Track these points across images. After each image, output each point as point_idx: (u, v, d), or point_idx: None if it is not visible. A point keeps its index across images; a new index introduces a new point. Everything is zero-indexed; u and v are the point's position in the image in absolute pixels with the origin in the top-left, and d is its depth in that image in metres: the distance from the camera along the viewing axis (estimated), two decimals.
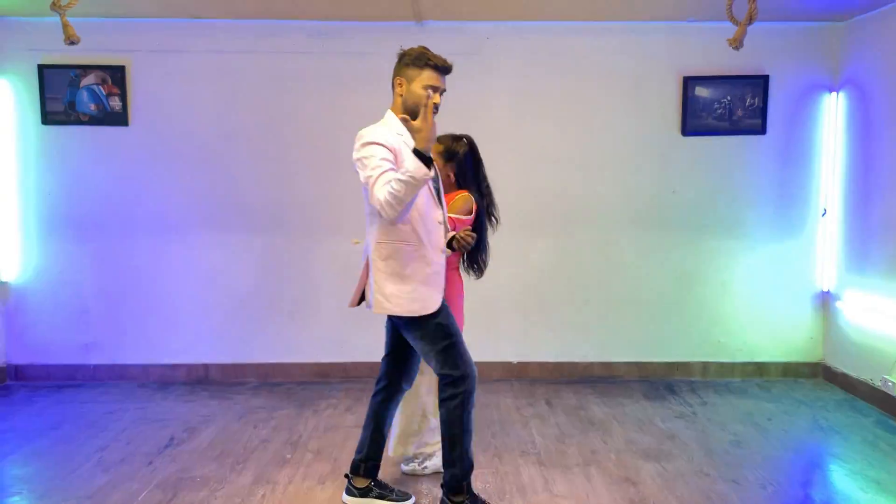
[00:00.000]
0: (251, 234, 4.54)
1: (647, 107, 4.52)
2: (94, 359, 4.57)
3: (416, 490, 3.03)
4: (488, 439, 3.61)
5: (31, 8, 4.10)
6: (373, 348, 4.55)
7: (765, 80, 4.48)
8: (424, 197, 2.63)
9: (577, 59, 4.50)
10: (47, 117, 4.42)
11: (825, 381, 4.58)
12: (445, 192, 3.00)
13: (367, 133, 2.57)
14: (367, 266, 2.75)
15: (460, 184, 3.06)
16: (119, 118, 4.44)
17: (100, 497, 2.98)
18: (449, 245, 2.82)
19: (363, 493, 2.90)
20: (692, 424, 3.83)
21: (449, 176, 3.06)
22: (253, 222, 4.53)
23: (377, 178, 2.46)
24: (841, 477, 3.23)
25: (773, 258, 4.59)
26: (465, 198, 3.02)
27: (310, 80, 4.47)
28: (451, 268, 2.97)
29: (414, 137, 2.46)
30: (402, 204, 2.42)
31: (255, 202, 4.52)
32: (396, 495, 2.89)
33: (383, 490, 2.90)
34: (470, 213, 3.03)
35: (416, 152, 2.41)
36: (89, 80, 4.41)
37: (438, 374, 2.70)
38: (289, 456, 3.42)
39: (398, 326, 2.77)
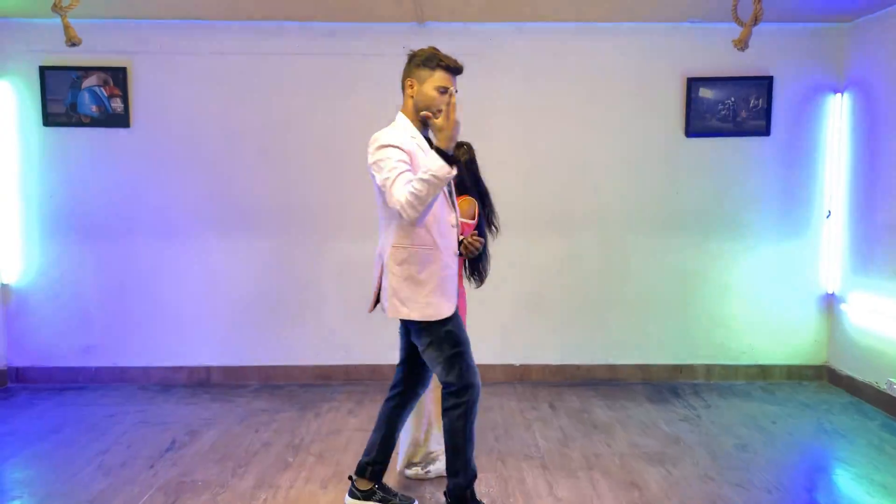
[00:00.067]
0: (253, 236, 4.52)
1: (650, 108, 4.50)
2: (96, 361, 4.56)
3: (419, 495, 3.01)
4: (491, 443, 3.59)
5: (33, 9, 4.09)
6: (375, 351, 4.57)
7: (769, 81, 4.45)
8: (439, 200, 2.62)
9: (581, 61, 4.48)
10: (49, 119, 4.41)
11: (830, 383, 4.56)
12: None
13: (382, 136, 2.55)
14: (381, 270, 2.71)
15: (460, 190, 3.05)
16: (121, 120, 4.43)
17: (101, 501, 2.96)
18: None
19: (366, 496, 2.88)
20: (696, 428, 3.81)
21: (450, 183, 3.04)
22: (255, 225, 4.52)
23: (395, 179, 2.44)
24: (847, 481, 3.21)
25: (778, 260, 4.56)
26: (470, 202, 3.02)
27: (312, 81, 4.45)
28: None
29: (436, 136, 2.44)
30: (424, 204, 2.40)
31: (257, 204, 4.51)
32: (400, 500, 2.87)
33: (387, 494, 2.88)
34: (473, 217, 3.02)
35: (439, 151, 2.40)
36: (91, 81, 4.40)
37: (443, 382, 2.68)
38: (291, 459, 3.40)
39: (409, 331, 2.74)
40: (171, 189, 4.49)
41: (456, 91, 2.63)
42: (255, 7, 4.10)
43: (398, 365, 2.90)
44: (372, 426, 3.75)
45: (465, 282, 3.14)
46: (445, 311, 2.63)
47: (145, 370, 4.57)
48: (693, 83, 4.45)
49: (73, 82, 4.39)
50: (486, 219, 3.13)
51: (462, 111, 2.48)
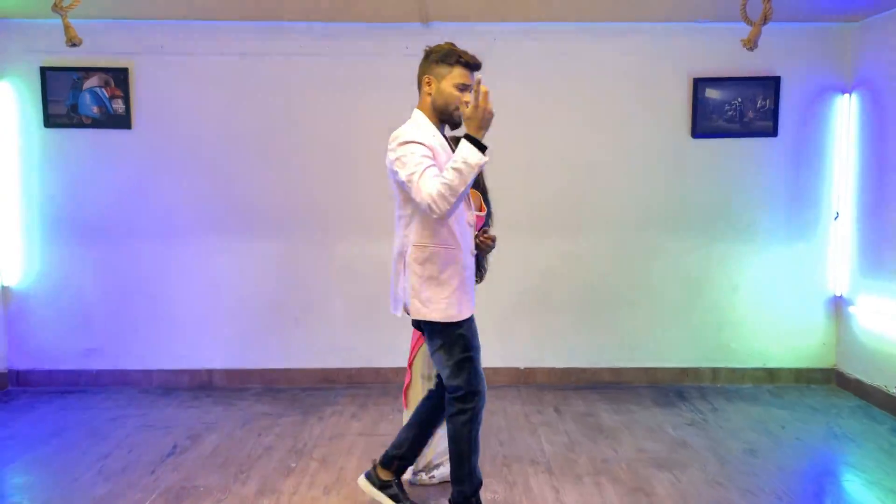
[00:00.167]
0: (256, 238, 4.49)
1: (656, 109, 4.45)
2: (97, 364, 4.52)
3: (423, 501, 2.97)
4: (496, 447, 3.55)
5: (33, 9, 4.06)
6: (378, 354, 4.53)
7: (776, 81, 4.41)
8: None
9: (586, 61, 4.44)
10: (49, 120, 4.38)
11: (838, 387, 4.51)
12: None
13: (404, 133, 2.51)
14: (400, 269, 2.64)
15: None
16: (122, 121, 4.39)
17: None
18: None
19: (383, 486, 2.81)
20: (704, 432, 3.76)
21: None
22: (258, 227, 4.48)
23: (422, 173, 2.39)
24: (857, 487, 3.16)
25: (785, 262, 4.52)
26: (474, 193, 2.97)
27: (316, 82, 4.41)
28: None
29: (466, 125, 2.43)
30: (456, 195, 2.35)
31: (260, 206, 4.47)
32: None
33: (400, 493, 2.81)
34: (481, 208, 2.98)
35: (469, 138, 2.38)
36: (92, 82, 4.37)
37: (448, 386, 2.64)
38: (293, 464, 3.36)
39: (423, 331, 2.69)
40: (173, 191, 4.45)
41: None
42: (258, 7, 4.07)
43: None
44: (375, 430, 3.78)
45: None
46: (466, 311, 2.60)
47: (147, 373, 4.53)
48: (699, 83, 4.41)
49: (74, 83, 4.36)
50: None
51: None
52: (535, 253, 4.50)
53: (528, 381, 4.56)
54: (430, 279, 2.55)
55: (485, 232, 2.78)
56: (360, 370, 4.56)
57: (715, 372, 4.57)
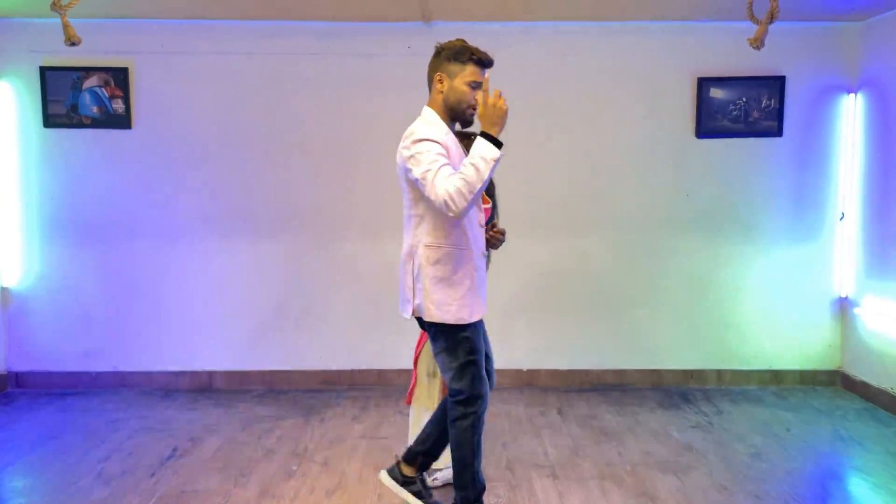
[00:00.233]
0: (256, 238, 4.45)
1: (660, 108, 4.42)
2: (97, 366, 4.49)
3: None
4: (500, 450, 3.51)
5: (33, 9, 4.03)
6: (380, 355, 4.50)
7: (781, 80, 4.37)
8: None
9: (589, 61, 4.40)
10: (49, 120, 4.35)
11: (843, 389, 4.47)
12: None
13: (419, 130, 2.47)
14: (410, 270, 2.60)
15: None
16: (122, 121, 4.36)
17: None
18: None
19: (406, 482, 2.76)
20: (709, 435, 3.72)
21: None
22: (258, 227, 4.45)
23: (437, 171, 2.36)
24: (865, 491, 3.13)
25: (790, 263, 4.48)
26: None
27: (316, 82, 4.38)
28: None
29: (480, 122, 2.43)
30: (473, 191, 2.33)
31: (260, 206, 4.44)
32: (433, 501, 2.77)
33: (424, 491, 2.76)
34: (485, 202, 2.94)
35: (484, 134, 2.38)
36: (92, 82, 4.33)
37: (451, 389, 2.61)
38: (294, 468, 3.33)
39: (428, 331, 2.66)
40: (173, 191, 4.42)
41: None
42: (259, 7, 4.04)
43: None
44: (377, 433, 3.75)
45: None
46: (478, 314, 2.58)
47: (147, 375, 4.50)
48: (704, 83, 4.37)
49: (74, 83, 4.32)
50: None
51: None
52: (537, 253, 4.47)
53: (531, 383, 4.53)
54: (443, 280, 2.52)
55: (493, 226, 2.74)
56: (361, 372, 4.52)
57: (720, 374, 4.53)
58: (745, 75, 4.36)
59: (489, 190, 3.02)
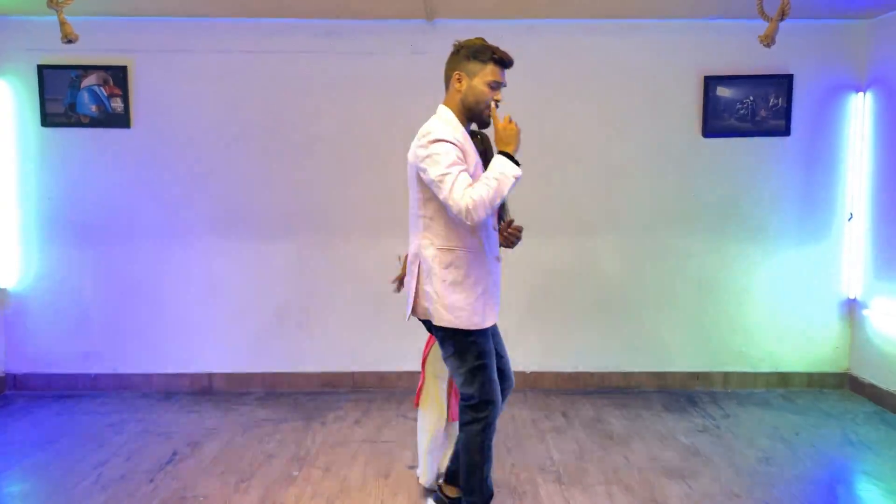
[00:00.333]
0: (257, 239, 4.40)
1: (666, 107, 4.36)
2: (95, 368, 4.43)
3: None
4: (504, 454, 3.46)
5: (31, 6, 3.97)
6: (382, 358, 4.44)
7: (789, 79, 4.31)
8: None
9: (594, 59, 4.34)
10: (47, 119, 4.29)
11: (851, 391, 4.41)
12: None
13: (436, 130, 2.41)
14: (417, 273, 2.54)
15: None
16: (121, 120, 4.31)
17: None
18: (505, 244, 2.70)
19: (454, 503, 2.75)
20: (716, 439, 3.67)
21: None
22: (259, 227, 4.40)
23: (457, 176, 2.32)
24: (876, 497, 3.07)
25: (798, 264, 4.42)
26: None
27: (317, 80, 4.32)
28: None
29: (496, 144, 2.45)
30: (494, 204, 2.32)
31: (261, 206, 4.38)
32: None
33: None
34: None
35: (502, 153, 2.39)
36: (90, 80, 4.28)
37: (462, 393, 2.57)
38: (296, 473, 3.27)
39: (436, 335, 2.60)
40: (173, 191, 4.36)
41: (505, 86, 2.54)
42: (259, 4, 3.98)
43: None
44: (379, 436, 3.70)
45: None
46: (490, 319, 2.53)
47: (146, 377, 4.45)
48: (710, 81, 4.31)
49: (73, 81, 4.27)
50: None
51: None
52: (540, 254, 4.41)
53: (536, 386, 4.47)
54: (455, 284, 2.46)
55: (510, 223, 2.68)
56: (363, 374, 4.47)
57: (726, 376, 4.47)
58: (753, 74, 4.30)
59: None
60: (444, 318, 2.47)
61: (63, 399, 4.29)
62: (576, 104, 4.36)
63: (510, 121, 2.44)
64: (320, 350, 4.46)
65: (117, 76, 4.27)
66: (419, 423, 3.00)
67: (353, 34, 4.28)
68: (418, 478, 3.08)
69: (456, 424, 2.96)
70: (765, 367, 4.47)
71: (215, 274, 4.41)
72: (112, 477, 3.22)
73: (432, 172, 2.34)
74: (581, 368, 4.49)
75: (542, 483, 3.15)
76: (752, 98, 4.32)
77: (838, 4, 3.96)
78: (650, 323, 4.46)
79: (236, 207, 4.38)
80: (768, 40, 2.90)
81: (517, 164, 2.40)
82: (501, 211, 2.91)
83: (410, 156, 2.48)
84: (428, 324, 2.61)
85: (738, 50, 4.25)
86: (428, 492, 3.01)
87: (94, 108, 4.29)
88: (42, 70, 4.25)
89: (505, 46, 4.21)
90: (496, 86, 2.48)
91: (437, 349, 2.91)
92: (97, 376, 4.43)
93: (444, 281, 2.46)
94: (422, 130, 2.44)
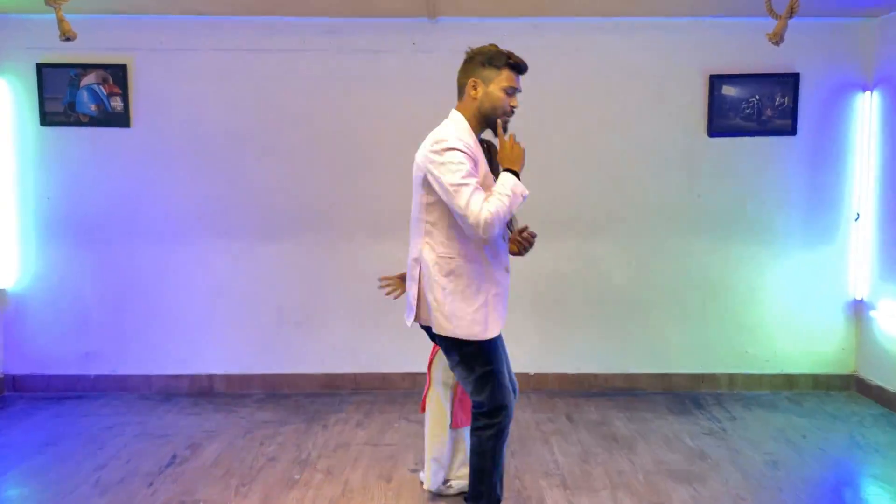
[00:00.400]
0: (258, 239, 4.36)
1: (671, 106, 4.31)
2: (95, 369, 4.40)
3: None
4: (508, 458, 3.41)
5: (30, 4, 3.93)
6: (384, 359, 4.40)
7: (795, 78, 4.27)
8: None
9: (598, 58, 4.30)
10: (46, 118, 4.25)
11: (858, 393, 4.37)
12: None
13: (451, 137, 2.38)
14: (418, 278, 2.50)
15: None
16: (121, 119, 4.27)
17: None
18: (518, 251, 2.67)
19: None
20: (723, 442, 3.62)
21: None
22: (260, 227, 4.36)
23: (475, 188, 2.31)
24: (886, 502, 3.03)
25: (804, 265, 4.38)
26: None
27: (319, 79, 4.28)
28: None
29: (501, 164, 2.46)
30: (504, 221, 2.34)
31: (262, 206, 4.34)
32: None
33: None
34: None
35: (509, 171, 2.42)
36: (90, 79, 4.24)
37: (473, 401, 2.53)
38: (297, 476, 3.23)
39: (439, 345, 2.57)
40: (173, 191, 4.33)
41: (520, 91, 2.54)
42: (260, 2, 3.94)
43: None
44: (381, 439, 3.66)
45: None
46: (493, 330, 2.46)
47: (146, 378, 4.41)
48: (716, 80, 4.26)
49: (72, 80, 4.23)
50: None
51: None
52: (544, 254, 4.35)
53: (539, 388, 4.43)
54: (455, 293, 2.42)
55: (522, 230, 2.63)
56: (365, 375, 4.43)
57: (731, 378, 4.43)
58: (759, 72, 4.26)
59: None
60: (443, 327, 2.44)
61: (62, 401, 4.25)
62: (579, 103, 4.32)
63: (515, 141, 2.47)
64: (321, 351, 4.42)
65: (117, 75, 4.24)
66: (427, 432, 2.96)
67: (354, 32, 4.24)
68: (422, 482, 3.05)
69: (460, 432, 2.94)
70: (770, 369, 4.43)
71: (216, 274, 4.37)
72: (111, 480, 3.18)
73: (447, 180, 2.31)
74: (585, 370, 4.44)
75: (547, 488, 3.11)
76: (757, 97, 4.28)
77: (845, 2, 3.92)
78: (654, 324, 4.42)
79: (237, 207, 4.34)
80: (777, 38, 2.86)
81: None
82: (510, 222, 2.88)
83: (420, 159, 2.44)
84: (429, 330, 2.57)
85: (744, 48, 4.21)
86: (433, 496, 2.97)
87: (93, 107, 4.26)
88: (41, 68, 4.21)
89: (507, 45, 4.17)
90: (512, 91, 2.47)
91: (441, 355, 2.87)
92: (97, 377, 4.39)
93: (445, 289, 2.42)
94: (435, 135, 2.40)
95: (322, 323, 4.41)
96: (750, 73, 4.26)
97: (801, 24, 4.14)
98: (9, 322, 4.37)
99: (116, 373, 4.40)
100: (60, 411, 4.07)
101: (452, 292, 2.42)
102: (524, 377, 4.41)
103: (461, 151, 2.34)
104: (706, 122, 4.31)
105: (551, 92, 4.28)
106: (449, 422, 2.92)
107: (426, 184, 2.41)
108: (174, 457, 3.44)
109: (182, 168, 4.31)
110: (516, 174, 2.43)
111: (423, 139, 2.52)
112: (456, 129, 2.42)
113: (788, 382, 4.43)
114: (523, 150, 2.48)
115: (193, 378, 4.41)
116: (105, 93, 4.25)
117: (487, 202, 2.31)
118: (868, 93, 4.29)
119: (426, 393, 2.98)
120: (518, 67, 2.46)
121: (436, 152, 2.35)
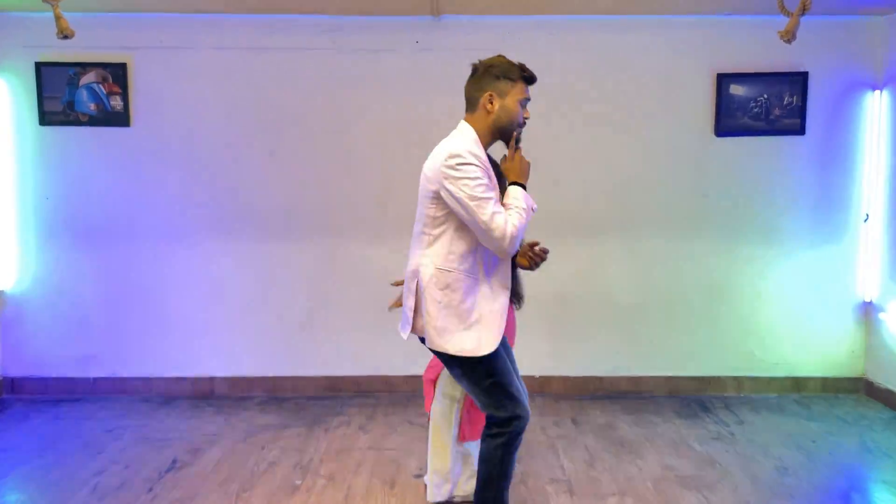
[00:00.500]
0: (259, 240, 4.31)
1: (678, 106, 4.26)
2: (94, 372, 4.35)
3: None
4: None
5: (28, 3, 3.88)
6: (387, 361, 4.35)
7: (804, 77, 4.21)
8: None
9: (604, 56, 4.24)
10: (45, 118, 4.20)
11: (867, 397, 4.31)
12: None
13: (465, 152, 2.33)
14: (416, 288, 2.45)
15: None
16: (120, 118, 4.22)
17: None
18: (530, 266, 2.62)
19: None
20: (731, 447, 3.57)
21: None
22: (261, 228, 4.30)
23: (494, 204, 2.31)
24: None
25: (812, 266, 4.32)
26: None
27: (321, 77, 4.23)
28: None
29: (507, 175, 2.47)
30: (522, 236, 2.37)
31: (263, 207, 4.29)
32: None
33: None
34: None
35: (516, 183, 2.44)
36: (89, 78, 4.19)
37: (484, 412, 2.49)
38: (298, 482, 3.18)
39: (439, 358, 2.51)
40: (173, 191, 4.28)
41: (530, 100, 2.54)
42: (261, 0, 3.89)
43: None
44: (384, 444, 3.61)
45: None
46: (487, 346, 2.38)
47: (146, 381, 4.36)
48: (723, 79, 4.21)
49: (71, 79, 4.18)
50: None
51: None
52: (549, 256, 4.30)
53: (544, 391, 4.37)
54: (449, 307, 2.37)
55: (533, 245, 2.57)
56: (367, 378, 4.38)
57: (738, 381, 4.37)
58: (767, 71, 4.20)
59: None
60: (433, 340, 2.40)
61: (61, 403, 4.20)
62: (584, 103, 4.26)
63: (521, 154, 2.49)
64: (324, 353, 4.37)
65: (116, 73, 4.19)
66: (429, 440, 2.91)
67: (357, 31, 4.19)
68: (426, 485, 2.99)
69: (467, 446, 2.88)
70: (778, 372, 4.37)
71: (216, 275, 4.32)
72: (110, 486, 3.13)
73: (465, 193, 2.28)
74: (590, 373, 4.39)
75: (554, 494, 3.06)
76: (766, 96, 4.22)
77: (854, 1, 3.86)
78: (661, 326, 4.36)
79: (238, 208, 4.29)
80: (789, 35, 2.81)
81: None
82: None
83: (431, 172, 2.38)
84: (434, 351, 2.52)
85: (752, 47, 4.15)
86: None
87: (92, 106, 4.21)
88: (40, 67, 4.16)
89: (512, 43, 4.15)
90: (525, 103, 2.47)
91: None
92: (96, 380, 4.35)
93: (439, 302, 2.38)
94: (448, 149, 2.35)
95: (324, 325, 4.36)
96: (758, 71, 4.21)
97: (809, 22, 4.06)
98: (7, 324, 4.32)
99: (116, 375, 4.36)
100: (59, 414, 4.03)
101: (447, 306, 2.37)
102: (529, 380, 4.35)
103: (476, 166, 2.31)
104: (713, 122, 4.25)
105: (556, 90, 4.22)
106: (455, 435, 2.87)
107: (437, 197, 2.36)
108: (174, 461, 3.39)
109: (182, 167, 4.26)
110: (524, 187, 2.46)
111: (426, 139, 2.48)
112: (466, 143, 2.38)
113: (796, 386, 4.37)
114: (529, 164, 2.50)
115: (194, 381, 4.36)
116: (104, 92, 4.20)
117: (510, 216, 2.32)
118: (878, 92, 4.24)
119: (427, 393, 2.93)
120: (531, 79, 2.47)
121: (451, 167, 2.30)
